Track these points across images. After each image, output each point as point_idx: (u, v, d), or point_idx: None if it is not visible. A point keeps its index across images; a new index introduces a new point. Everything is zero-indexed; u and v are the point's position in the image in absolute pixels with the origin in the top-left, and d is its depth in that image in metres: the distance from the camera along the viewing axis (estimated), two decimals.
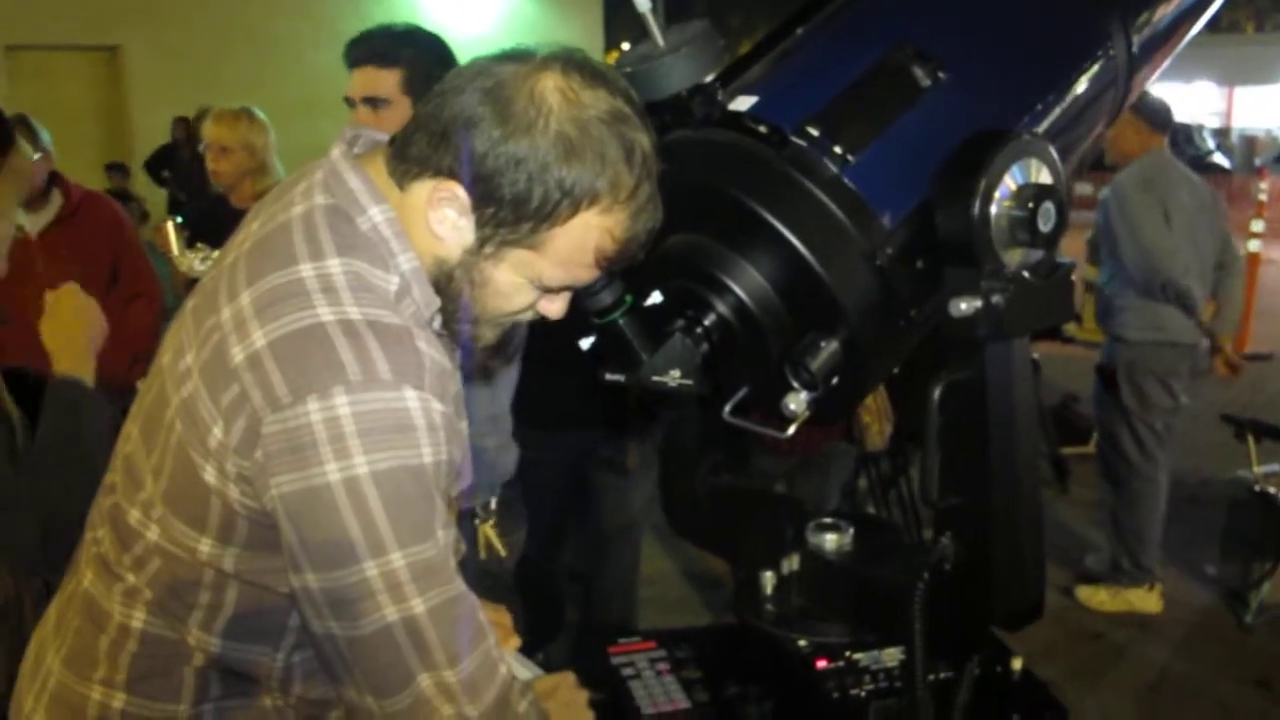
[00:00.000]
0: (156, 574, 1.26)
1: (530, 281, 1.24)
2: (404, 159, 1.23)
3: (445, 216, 1.21)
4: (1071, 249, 5.41)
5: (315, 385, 1.10)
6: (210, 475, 1.18)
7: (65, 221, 3.61)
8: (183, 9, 12.66)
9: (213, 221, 3.62)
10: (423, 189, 1.22)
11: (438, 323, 1.29)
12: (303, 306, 1.14)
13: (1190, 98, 26.01)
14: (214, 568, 1.23)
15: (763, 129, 1.31)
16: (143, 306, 3.71)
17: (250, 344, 1.14)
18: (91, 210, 3.70)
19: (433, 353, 1.17)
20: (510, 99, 1.16)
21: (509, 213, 1.18)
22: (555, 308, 1.30)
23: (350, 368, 1.11)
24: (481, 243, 1.22)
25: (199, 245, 3.41)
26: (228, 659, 1.28)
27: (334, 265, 1.18)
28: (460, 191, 1.19)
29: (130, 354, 3.55)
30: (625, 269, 1.30)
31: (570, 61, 1.18)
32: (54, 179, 3.65)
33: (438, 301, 1.26)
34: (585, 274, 1.25)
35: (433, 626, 1.15)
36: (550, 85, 1.16)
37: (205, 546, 1.22)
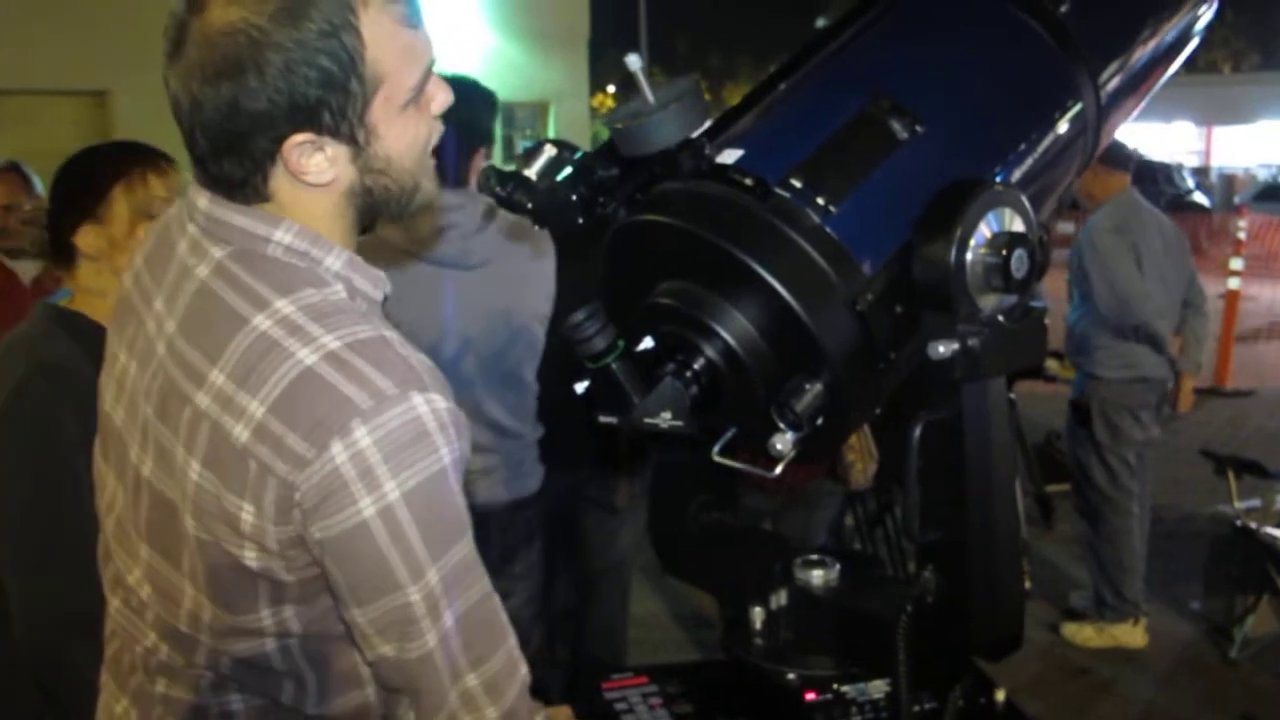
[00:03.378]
0: (233, 665, 1.24)
1: (404, 110, 1.20)
2: (235, 184, 1.19)
3: (317, 165, 1.18)
4: (1054, 287, 5.50)
5: (334, 429, 1.09)
6: (251, 559, 1.16)
7: None
8: None
9: None
10: (279, 177, 1.19)
11: (385, 290, 1.27)
12: (282, 359, 1.12)
13: (1170, 137, 26.34)
14: (279, 634, 1.22)
15: (748, 181, 1.35)
16: None
17: (250, 417, 1.11)
18: None
19: (414, 353, 1.17)
20: (216, 55, 1.11)
21: (336, 96, 1.14)
22: (441, 95, 1.26)
23: (358, 398, 1.10)
24: (353, 140, 1.18)
25: None
26: (330, 713, 1.28)
27: (283, 305, 1.15)
28: (295, 139, 1.15)
29: None
30: (618, 313, 1.36)
31: None
32: None
33: (382, 275, 1.27)
34: (421, 48, 1.20)
35: (458, 634, 1.17)
36: (217, 19, 1.11)
37: (266, 619, 1.20)
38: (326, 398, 1.10)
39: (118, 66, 12.47)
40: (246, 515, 1.13)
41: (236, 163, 1.18)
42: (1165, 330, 4.22)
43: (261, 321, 1.14)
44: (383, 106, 1.18)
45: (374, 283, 1.26)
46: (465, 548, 1.18)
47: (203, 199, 1.23)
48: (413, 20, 1.19)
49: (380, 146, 1.20)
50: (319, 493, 1.10)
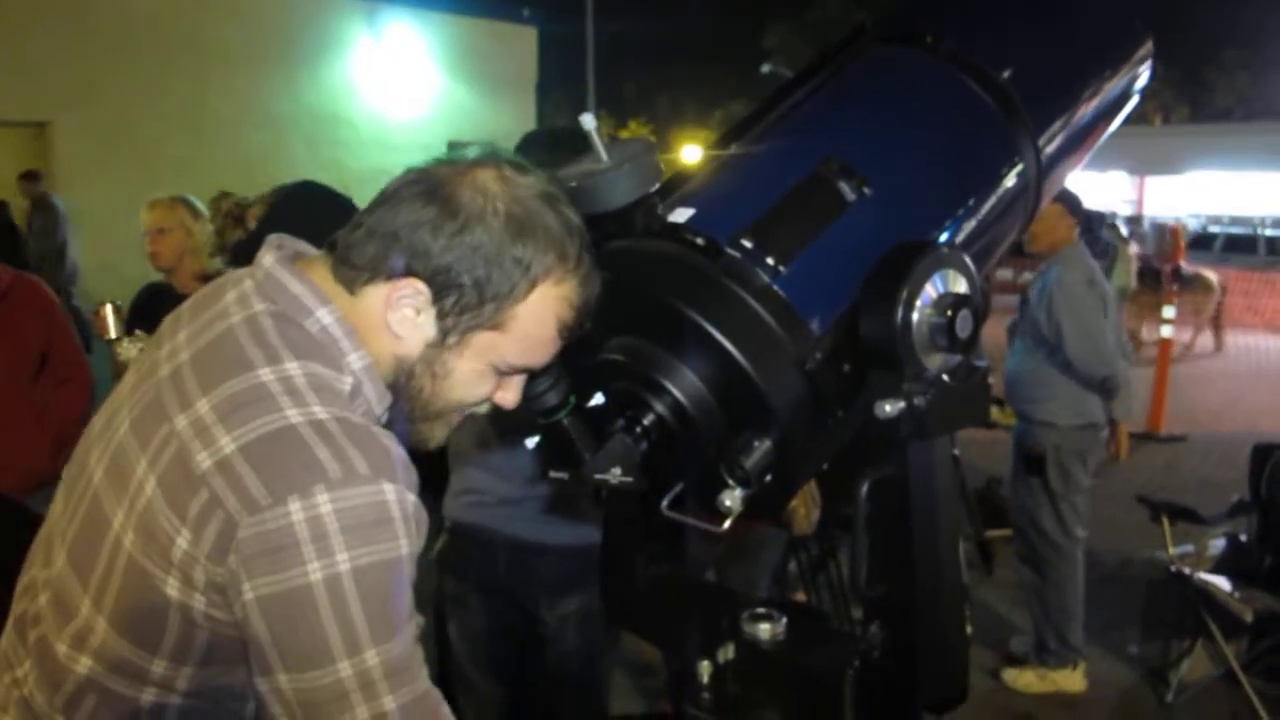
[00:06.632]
0: (92, 714, 1.23)
1: (492, 366, 1.29)
2: (351, 265, 1.26)
3: (405, 316, 1.25)
4: (993, 332, 5.57)
5: (295, 486, 1.11)
6: (173, 588, 1.16)
7: None
8: (113, 87, 12.59)
9: (154, 306, 3.62)
10: (377, 293, 1.26)
11: (385, 418, 1.30)
12: (270, 410, 1.15)
13: (1104, 186, 26.92)
14: (161, 690, 1.20)
15: (699, 240, 1.37)
16: (72, 392, 3.62)
17: (218, 449, 1.13)
18: (23, 293, 3.65)
19: (395, 447, 1.19)
20: (453, 194, 1.23)
21: (472, 297, 1.24)
22: (511, 396, 1.34)
23: (329, 466, 1.12)
24: (445, 333, 1.26)
25: (138, 333, 3.40)
26: None
27: (293, 368, 1.19)
28: (421, 286, 1.23)
29: (55, 442, 3.38)
30: (570, 369, 1.36)
31: (497, 155, 1.27)
32: None
33: (389, 398, 1.29)
34: (547, 349, 1.30)
35: None
36: (489, 176, 1.24)
37: (159, 668, 1.20)
38: (299, 456, 1.13)
39: (58, 98, 12.34)
40: (181, 542, 1.14)
41: (371, 253, 1.25)
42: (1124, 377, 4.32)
43: (266, 374, 1.18)
44: (482, 346, 1.28)
45: (379, 397, 1.28)
46: (407, 644, 1.17)
47: (269, 258, 1.30)
48: (565, 333, 1.29)
49: (452, 359, 1.28)
50: (264, 544, 1.10)
